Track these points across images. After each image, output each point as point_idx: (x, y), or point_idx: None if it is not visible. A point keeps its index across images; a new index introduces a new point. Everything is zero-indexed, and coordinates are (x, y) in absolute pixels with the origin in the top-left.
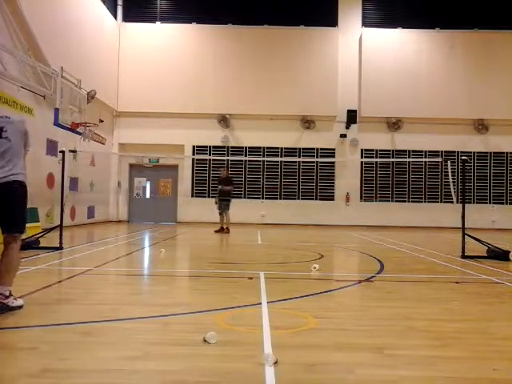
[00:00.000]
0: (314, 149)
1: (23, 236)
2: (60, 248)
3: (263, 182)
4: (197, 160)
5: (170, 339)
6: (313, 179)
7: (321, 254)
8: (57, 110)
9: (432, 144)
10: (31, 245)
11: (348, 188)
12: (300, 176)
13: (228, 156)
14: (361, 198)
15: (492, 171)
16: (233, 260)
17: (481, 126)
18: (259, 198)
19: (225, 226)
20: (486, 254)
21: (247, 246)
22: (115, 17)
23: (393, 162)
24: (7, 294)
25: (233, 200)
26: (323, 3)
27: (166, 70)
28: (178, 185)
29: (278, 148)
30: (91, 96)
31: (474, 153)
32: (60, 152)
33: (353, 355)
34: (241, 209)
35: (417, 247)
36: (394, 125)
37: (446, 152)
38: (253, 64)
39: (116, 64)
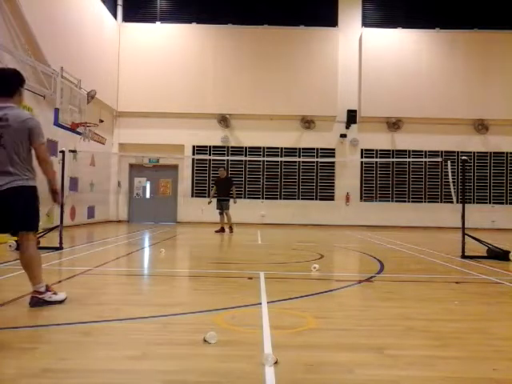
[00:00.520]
0: (314, 149)
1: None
2: (60, 248)
3: (263, 182)
4: (197, 160)
5: (170, 339)
6: (313, 179)
7: (321, 254)
8: (57, 110)
9: (432, 144)
10: None
11: (348, 188)
12: (300, 176)
13: (228, 156)
14: (361, 198)
15: (492, 171)
16: (233, 260)
17: (481, 126)
18: (259, 198)
19: (228, 226)
20: (486, 254)
21: (247, 246)
22: (115, 17)
23: (393, 161)
24: (43, 290)
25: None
26: (323, 3)
27: (165, 70)
28: (178, 185)
29: (277, 148)
30: (91, 96)
31: (474, 153)
32: (60, 152)
33: (353, 355)
34: (241, 209)
35: (417, 247)
36: (394, 125)
37: (445, 152)
38: (253, 64)
39: (116, 64)
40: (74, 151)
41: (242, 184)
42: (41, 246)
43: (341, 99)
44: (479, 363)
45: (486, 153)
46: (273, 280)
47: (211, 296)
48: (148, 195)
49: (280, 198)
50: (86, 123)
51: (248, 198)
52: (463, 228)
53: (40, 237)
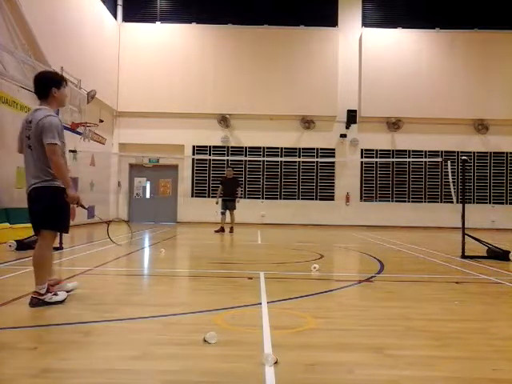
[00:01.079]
0: (314, 149)
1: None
2: (60, 248)
3: (263, 182)
4: (197, 160)
5: (170, 339)
6: (313, 179)
7: (321, 254)
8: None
9: (432, 144)
10: (31, 245)
11: (348, 188)
12: (300, 176)
13: (228, 156)
14: (361, 198)
15: (492, 171)
16: (233, 260)
17: (481, 126)
18: (259, 198)
19: (230, 226)
20: (486, 254)
21: (247, 246)
22: (115, 17)
23: (393, 161)
24: (43, 291)
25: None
26: (323, 3)
27: (165, 70)
28: (178, 185)
29: (277, 148)
30: (91, 96)
31: (474, 153)
32: None
33: (353, 355)
34: (241, 209)
35: (417, 247)
36: (394, 125)
37: (445, 152)
38: (253, 64)
39: (116, 64)
40: (74, 151)
41: (242, 184)
42: None
43: (341, 99)
44: (479, 363)
45: (486, 153)
46: (273, 280)
47: (211, 296)
48: (148, 195)
49: (280, 198)
50: (86, 123)
51: (248, 198)
52: (463, 228)
53: None
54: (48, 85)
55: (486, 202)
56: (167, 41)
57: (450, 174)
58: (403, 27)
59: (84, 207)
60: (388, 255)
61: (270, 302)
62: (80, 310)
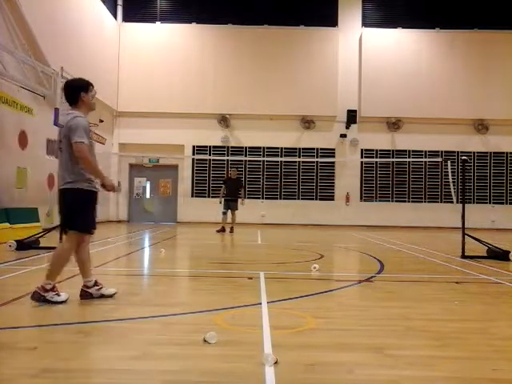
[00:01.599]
0: (314, 149)
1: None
2: None
3: (263, 182)
4: (197, 160)
5: (170, 339)
6: (313, 179)
7: (321, 254)
8: (57, 110)
9: (432, 144)
10: (31, 245)
11: (348, 188)
12: (300, 176)
13: (228, 156)
14: (361, 198)
15: (492, 171)
16: (233, 260)
17: (481, 126)
18: (259, 198)
19: (230, 226)
20: (486, 254)
21: (247, 246)
22: (115, 17)
23: (393, 161)
24: (48, 287)
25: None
26: (323, 3)
27: (165, 70)
28: (178, 185)
29: (277, 148)
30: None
31: (474, 153)
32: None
33: (353, 355)
34: (241, 209)
35: (417, 247)
36: (394, 125)
37: (445, 152)
38: (253, 64)
39: (116, 64)
40: None
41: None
42: (41, 245)
43: (341, 99)
44: (479, 363)
45: (486, 153)
46: (273, 280)
47: (211, 296)
48: (148, 195)
49: (280, 198)
50: None
51: (248, 198)
52: (463, 228)
53: (40, 237)
54: (76, 90)
55: (486, 202)
56: (167, 41)
57: (450, 174)
58: (403, 27)
59: (120, 190)
60: (388, 255)
61: (270, 302)
62: (80, 310)
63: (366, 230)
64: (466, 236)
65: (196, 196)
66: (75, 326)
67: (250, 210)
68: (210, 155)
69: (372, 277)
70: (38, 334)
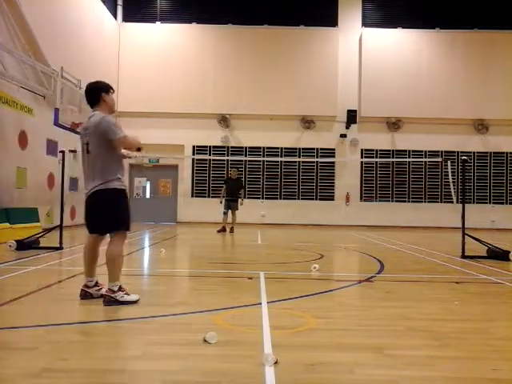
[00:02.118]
0: (314, 149)
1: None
2: (60, 248)
3: (263, 182)
4: (197, 160)
5: (170, 339)
6: (313, 179)
7: (321, 254)
8: (57, 110)
9: (432, 144)
10: (31, 245)
11: (348, 188)
12: (300, 176)
13: (228, 156)
14: (361, 198)
15: (492, 171)
16: (233, 260)
17: (481, 126)
18: (259, 198)
19: (230, 226)
20: (486, 254)
21: (247, 246)
22: (115, 17)
23: (393, 161)
24: (115, 288)
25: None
26: (323, 3)
27: (165, 70)
28: (178, 185)
29: (277, 148)
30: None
31: (474, 153)
32: (60, 152)
33: (353, 355)
34: (241, 209)
35: (417, 247)
36: (394, 125)
37: (446, 152)
38: (253, 64)
39: (116, 64)
40: (74, 151)
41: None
42: (41, 245)
43: (341, 99)
44: (479, 363)
45: (486, 153)
46: (273, 280)
47: (211, 296)
48: (148, 195)
49: (280, 198)
50: None
51: (248, 198)
52: (463, 228)
53: (40, 237)
54: (97, 91)
55: (486, 202)
56: (167, 41)
57: (450, 174)
58: (403, 27)
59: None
60: (388, 255)
61: (270, 302)
62: (80, 309)
63: (366, 230)
64: (466, 236)
65: (196, 196)
66: (75, 325)
67: (249, 209)
68: (210, 155)
69: (372, 277)
70: (38, 334)
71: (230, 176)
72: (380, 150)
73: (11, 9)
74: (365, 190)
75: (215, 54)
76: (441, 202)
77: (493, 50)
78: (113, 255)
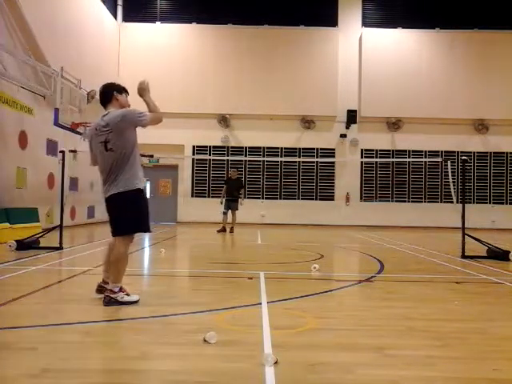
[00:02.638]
0: (314, 149)
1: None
2: (60, 248)
3: (263, 182)
4: (197, 160)
5: (170, 339)
6: (313, 179)
7: (321, 254)
8: (57, 110)
9: (432, 144)
10: (31, 245)
11: (348, 188)
12: (300, 176)
13: (228, 156)
14: (361, 198)
15: (492, 171)
16: (233, 260)
17: (481, 126)
18: (259, 198)
19: (230, 226)
20: (486, 254)
21: (247, 246)
22: (115, 17)
23: (393, 161)
24: (116, 289)
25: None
26: (323, 3)
27: (165, 70)
28: (178, 185)
29: (277, 148)
30: (91, 96)
31: (474, 153)
32: (60, 152)
33: (353, 355)
34: (241, 209)
35: (417, 247)
36: (394, 125)
37: (446, 152)
38: (253, 64)
39: (116, 64)
40: (74, 151)
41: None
42: (41, 245)
43: (341, 99)
44: (479, 363)
45: (486, 153)
46: (273, 280)
47: (211, 296)
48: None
49: (280, 198)
50: (86, 123)
51: (248, 197)
52: (463, 228)
53: (40, 237)
54: (110, 90)
55: (486, 202)
56: (167, 41)
57: (450, 174)
58: (403, 27)
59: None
60: (388, 255)
61: (270, 302)
62: (80, 309)
63: (366, 230)
64: (466, 236)
65: (196, 196)
66: (75, 325)
67: (249, 209)
68: (210, 155)
69: (372, 277)
70: (38, 334)
71: (230, 176)
72: (380, 150)
73: (11, 9)
74: (365, 190)
75: (215, 54)
76: (441, 202)
77: (493, 50)
78: (118, 259)
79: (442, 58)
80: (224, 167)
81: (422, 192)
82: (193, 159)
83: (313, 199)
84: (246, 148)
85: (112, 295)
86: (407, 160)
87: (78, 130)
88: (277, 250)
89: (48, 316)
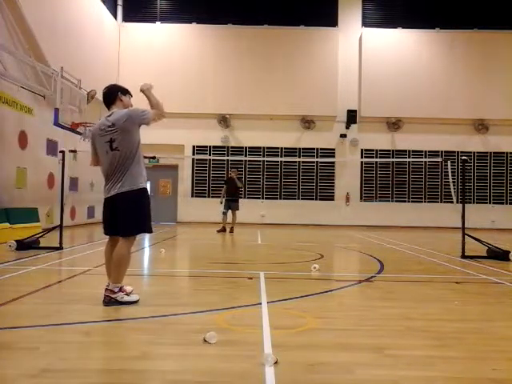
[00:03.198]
0: (314, 149)
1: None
2: (60, 248)
3: (263, 182)
4: (197, 160)
5: (170, 339)
6: (313, 179)
7: (321, 254)
8: (57, 110)
9: (432, 144)
10: (31, 245)
11: (348, 188)
12: (300, 176)
13: (228, 156)
14: (361, 198)
15: (492, 171)
16: (233, 260)
17: (481, 126)
18: (259, 198)
19: (230, 226)
20: (486, 254)
21: (247, 246)
22: (115, 17)
23: (393, 161)
24: (116, 290)
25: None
26: (323, 3)
27: (165, 70)
28: (178, 185)
29: (277, 148)
30: (91, 96)
31: (474, 153)
32: (60, 152)
33: (353, 355)
34: (241, 209)
35: (417, 247)
36: (394, 125)
37: (446, 152)
38: (253, 64)
39: (116, 64)
40: (74, 151)
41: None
42: (41, 245)
43: (341, 99)
44: (479, 363)
45: (486, 153)
46: (273, 280)
47: (211, 296)
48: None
49: (280, 198)
50: (86, 123)
51: (248, 197)
52: (463, 228)
53: (40, 237)
54: (114, 91)
55: (486, 202)
56: (167, 41)
57: (450, 174)
58: (403, 27)
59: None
60: (388, 255)
61: (270, 302)
62: (80, 309)
63: (366, 230)
64: (466, 236)
65: (196, 196)
66: (75, 325)
67: (250, 209)
68: (210, 155)
69: (372, 277)
70: (38, 334)
71: (230, 176)
72: (380, 150)
73: (11, 9)
74: (365, 190)
75: (215, 54)
76: (441, 202)
77: (493, 50)
78: (122, 258)
79: (442, 58)
80: (224, 167)
81: (421, 192)
82: (193, 159)
83: (313, 199)
84: (246, 148)
85: (112, 295)
86: (407, 160)
87: (77, 130)
88: (277, 250)
89: (48, 316)
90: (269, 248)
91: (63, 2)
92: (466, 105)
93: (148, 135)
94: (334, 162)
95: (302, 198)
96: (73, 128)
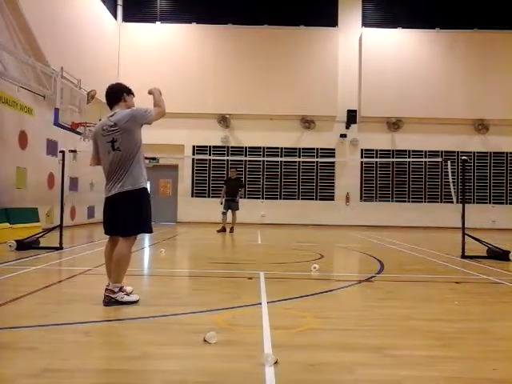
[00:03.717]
0: (314, 149)
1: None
2: (60, 248)
3: (263, 182)
4: (197, 160)
5: (170, 339)
6: (313, 179)
7: (321, 254)
8: (57, 110)
9: (432, 144)
10: (31, 245)
11: (348, 188)
12: (300, 176)
13: (228, 156)
14: (361, 198)
15: (492, 171)
16: (233, 260)
17: (481, 126)
18: (259, 198)
19: (230, 226)
20: (486, 254)
21: (247, 246)
22: (115, 17)
23: (393, 161)
24: (116, 289)
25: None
26: (323, 3)
27: (165, 70)
28: (178, 185)
29: (277, 148)
30: (91, 96)
31: (474, 153)
32: (60, 152)
33: (353, 355)
34: (241, 209)
35: (417, 247)
36: (394, 125)
37: (445, 152)
38: (253, 64)
39: (116, 64)
40: (74, 151)
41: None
42: (41, 245)
43: (341, 99)
44: (479, 363)
45: (486, 153)
46: (273, 280)
47: (211, 296)
48: None
49: (280, 198)
50: (86, 123)
51: (248, 197)
52: (463, 228)
53: (40, 237)
54: (119, 92)
55: (486, 202)
56: (167, 41)
57: (450, 174)
58: (403, 27)
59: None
60: (388, 255)
61: (270, 302)
62: (80, 309)
63: (366, 230)
64: (466, 236)
65: (196, 196)
66: (75, 325)
67: (250, 209)
68: (209, 155)
69: (372, 277)
70: (38, 334)
71: (230, 176)
72: (380, 150)
73: (11, 9)
74: (365, 190)
75: (215, 54)
76: (441, 202)
77: (493, 50)
78: (123, 257)
79: (442, 58)
80: (224, 167)
81: (422, 192)
82: (193, 159)
83: (313, 199)
84: (245, 148)
85: (112, 295)
86: (407, 160)
87: (77, 130)
88: (277, 250)
89: (48, 316)
90: (269, 248)
91: (63, 2)
92: (466, 105)
93: (148, 135)
94: (333, 162)
95: (302, 198)
96: (73, 128)
